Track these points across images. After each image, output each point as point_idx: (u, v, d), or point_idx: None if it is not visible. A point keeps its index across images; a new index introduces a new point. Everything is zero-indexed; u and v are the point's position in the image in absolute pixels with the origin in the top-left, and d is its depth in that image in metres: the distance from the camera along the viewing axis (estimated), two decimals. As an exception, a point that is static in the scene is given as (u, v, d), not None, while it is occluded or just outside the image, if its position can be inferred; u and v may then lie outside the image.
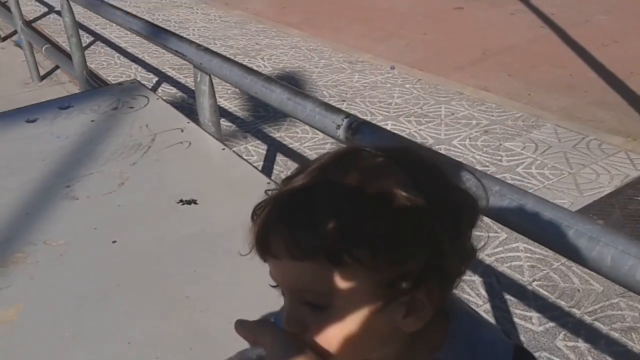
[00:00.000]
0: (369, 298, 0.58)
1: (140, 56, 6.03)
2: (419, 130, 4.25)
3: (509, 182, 3.37)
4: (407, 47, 6.10)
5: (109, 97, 2.43)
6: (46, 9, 7.67)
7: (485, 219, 1.34)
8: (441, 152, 3.80)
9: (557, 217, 1.15)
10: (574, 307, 2.53)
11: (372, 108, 4.65)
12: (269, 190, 0.64)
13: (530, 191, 3.32)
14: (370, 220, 0.56)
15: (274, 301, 0.72)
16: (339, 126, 1.71)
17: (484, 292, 2.63)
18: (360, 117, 1.73)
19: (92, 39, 6.55)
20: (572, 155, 3.79)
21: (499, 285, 2.68)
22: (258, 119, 4.49)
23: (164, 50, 3.22)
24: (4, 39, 7.00)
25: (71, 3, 3.96)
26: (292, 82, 4.95)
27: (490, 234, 2.91)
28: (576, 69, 5.21)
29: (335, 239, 0.55)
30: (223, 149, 2.06)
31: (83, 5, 3.77)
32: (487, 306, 2.55)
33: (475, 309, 2.49)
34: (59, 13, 4.97)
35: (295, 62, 5.81)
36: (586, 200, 3.27)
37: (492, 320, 2.45)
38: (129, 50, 6.21)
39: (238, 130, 4.35)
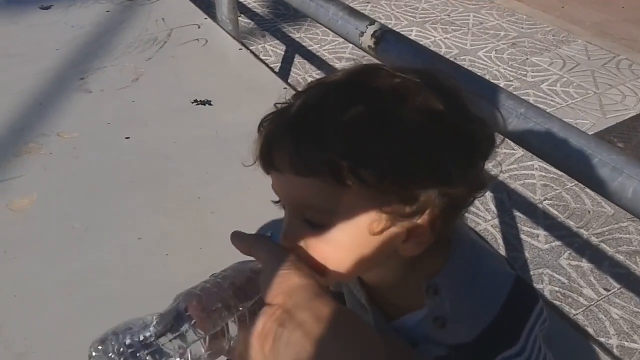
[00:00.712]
0: (369, 219, 0.57)
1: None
2: (445, 38, 4.11)
3: (532, 100, 3.30)
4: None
5: (125, -14, 2.36)
6: None
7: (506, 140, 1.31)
8: (465, 63, 3.69)
9: (581, 143, 1.12)
10: (582, 227, 2.54)
11: (397, 12, 4.47)
12: (278, 103, 0.62)
13: (552, 110, 3.26)
14: (379, 142, 0.54)
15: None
16: (362, 33, 1.63)
17: (493, 208, 2.63)
18: (384, 21, 1.65)
19: None
20: (600, 75, 3.66)
21: (509, 201, 2.68)
22: (277, 17, 4.35)
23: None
24: None
25: None
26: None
27: (506, 151, 2.88)
28: (616, -19, 4.93)
29: (341, 157, 0.54)
30: (240, 49, 2.01)
31: None
32: (496, 221, 2.56)
33: (483, 223, 2.51)
34: None
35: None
36: (609, 122, 3.19)
37: (498, 235, 2.47)
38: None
39: (256, 28, 4.22)
